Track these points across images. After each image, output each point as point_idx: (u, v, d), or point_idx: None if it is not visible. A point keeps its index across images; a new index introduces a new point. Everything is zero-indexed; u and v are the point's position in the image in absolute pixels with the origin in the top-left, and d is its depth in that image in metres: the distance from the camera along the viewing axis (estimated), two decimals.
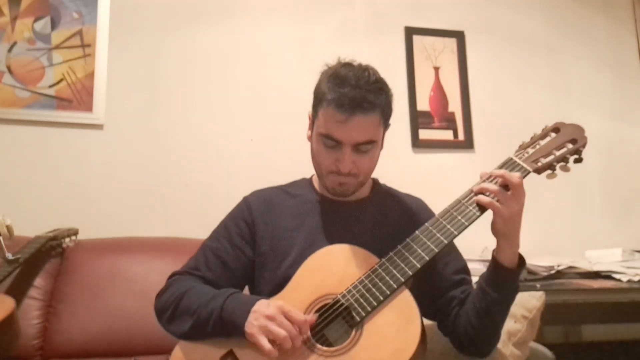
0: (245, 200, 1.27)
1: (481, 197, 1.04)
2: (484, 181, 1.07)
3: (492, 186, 1.03)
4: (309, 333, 1.00)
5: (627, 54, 2.72)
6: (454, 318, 1.14)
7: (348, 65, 1.15)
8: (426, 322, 1.14)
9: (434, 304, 1.17)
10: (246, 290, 1.24)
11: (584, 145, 1.11)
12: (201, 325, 1.05)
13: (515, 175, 1.03)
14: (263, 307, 1.00)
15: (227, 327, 1.02)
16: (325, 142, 1.12)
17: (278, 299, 1.07)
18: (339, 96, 1.08)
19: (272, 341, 0.97)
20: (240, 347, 1.02)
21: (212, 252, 1.20)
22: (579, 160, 1.12)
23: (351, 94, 1.07)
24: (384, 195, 1.28)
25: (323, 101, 1.11)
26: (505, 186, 1.03)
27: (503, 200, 1.02)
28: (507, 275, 1.07)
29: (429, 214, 1.23)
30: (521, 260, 1.09)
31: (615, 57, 2.69)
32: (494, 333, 1.13)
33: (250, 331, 0.98)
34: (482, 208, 1.05)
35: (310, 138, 1.21)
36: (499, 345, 1.19)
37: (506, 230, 1.04)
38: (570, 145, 1.11)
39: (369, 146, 1.12)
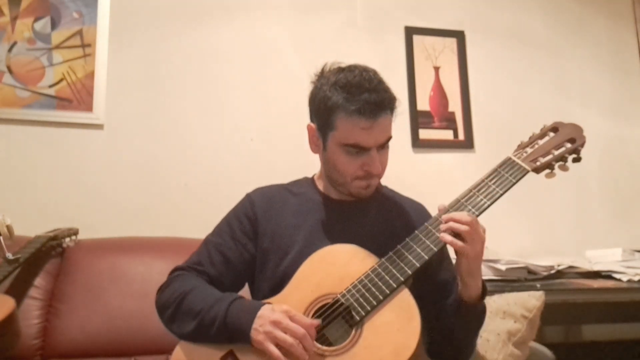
0: (248, 197, 1.27)
1: (449, 238, 1.01)
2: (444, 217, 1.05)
3: (461, 226, 1.00)
4: (314, 336, 0.99)
5: (627, 54, 2.72)
6: (429, 330, 1.14)
7: (348, 70, 1.15)
8: None
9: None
10: (246, 288, 1.24)
11: (582, 145, 1.12)
12: (204, 330, 1.04)
13: (464, 218, 1.00)
14: (268, 312, 1.00)
15: (232, 334, 1.02)
16: (349, 151, 1.12)
17: (278, 298, 1.08)
18: (362, 104, 1.08)
19: (279, 346, 0.96)
20: (241, 348, 1.02)
21: (215, 247, 1.20)
22: (577, 160, 1.12)
23: (372, 99, 1.08)
24: (385, 196, 1.28)
25: (338, 111, 1.10)
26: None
27: (470, 240, 1.00)
28: (471, 308, 1.08)
29: (429, 219, 1.23)
30: (484, 288, 1.09)
31: (615, 57, 2.69)
32: (458, 353, 1.15)
33: (257, 338, 0.98)
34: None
35: (316, 151, 1.22)
36: (499, 345, 1.19)
37: (471, 268, 1.04)
38: (568, 145, 1.12)
39: (388, 142, 1.16)
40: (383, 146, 1.15)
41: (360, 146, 1.11)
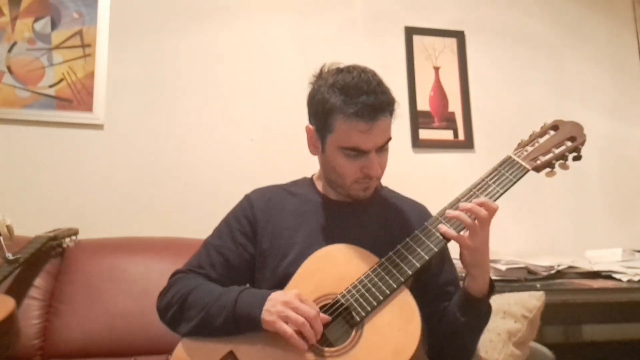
0: (247, 198, 1.27)
1: (448, 231, 1.02)
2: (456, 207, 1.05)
3: (465, 218, 1.01)
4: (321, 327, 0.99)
5: (627, 53, 2.72)
6: (430, 333, 1.13)
7: (346, 71, 1.13)
8: None
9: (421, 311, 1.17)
10: None
11: (582, 143, 1.11)
12: (210, 321, 1.04)
13: (483, 211, 1.00)
14: (279, 295, 1.01)
15: (240, 321, 1.01)
16: (347, 153, 1.11)
17: None
18: (360, 107, 1.06)
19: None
20: (240, 348, 1.02)
21: (215, 249, 1.20)
22: (577, 158, 1.11)
23: (370, 102, 1.07)
24: (385, 197, 1.28)
25: (336, 114, 1.09)
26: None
27: (472, 232, 1.00)
28: (476, 303, 1.07)
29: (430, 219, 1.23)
30: (492, 286, 1.08)
31: (615, 57, 2.69)
32: (461, 355, 1.13)
33: (268, 319, 0.98)
34: None
35: (314, 152, 1.21)
36: (500, 345, 1.19)
37: (475, 259, 1.03)
38: (569, 143, 1.11)
39: (387, 144, 1.14)
40: (382, 148, 1.13)
41: (358, 149, 1.10)
